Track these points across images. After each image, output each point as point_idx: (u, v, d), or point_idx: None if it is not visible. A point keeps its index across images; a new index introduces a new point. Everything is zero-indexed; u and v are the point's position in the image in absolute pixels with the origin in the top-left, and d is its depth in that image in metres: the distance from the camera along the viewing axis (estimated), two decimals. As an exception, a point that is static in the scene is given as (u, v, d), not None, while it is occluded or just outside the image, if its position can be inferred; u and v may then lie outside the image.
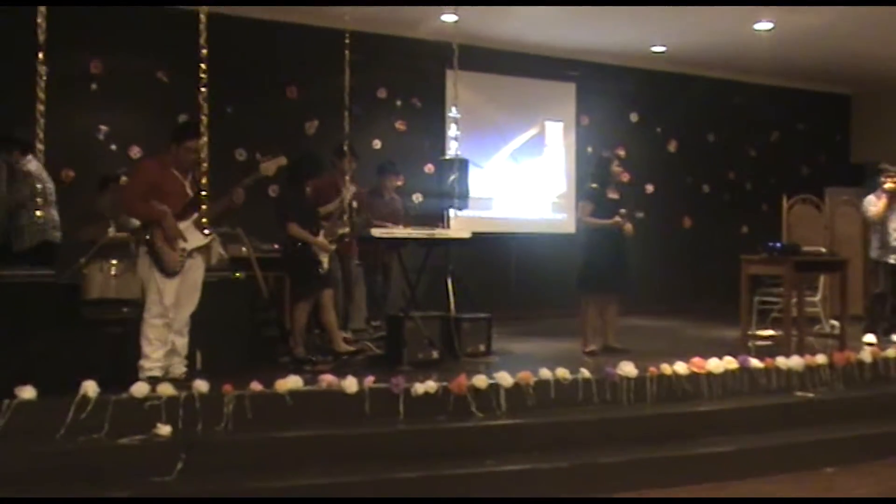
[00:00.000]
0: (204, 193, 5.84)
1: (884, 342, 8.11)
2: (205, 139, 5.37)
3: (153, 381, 5.45)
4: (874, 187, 8.89)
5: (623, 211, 7.64)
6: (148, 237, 5.83)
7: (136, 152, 9.08)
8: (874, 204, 8.70)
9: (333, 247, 7.31)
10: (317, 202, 7.53)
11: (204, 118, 5.53)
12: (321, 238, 7.15)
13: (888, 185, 8.61)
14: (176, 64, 9.07)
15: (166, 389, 5.32)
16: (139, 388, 5.29)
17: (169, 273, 5.82)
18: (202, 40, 5.59)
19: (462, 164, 8.54)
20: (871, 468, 6.10)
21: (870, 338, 8.28)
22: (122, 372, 5.57)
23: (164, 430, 5.14)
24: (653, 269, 11.08)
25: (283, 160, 6.35)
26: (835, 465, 6.10)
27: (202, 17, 5.60)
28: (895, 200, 8.62)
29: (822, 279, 9.39)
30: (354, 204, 7.94)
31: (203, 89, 5.54)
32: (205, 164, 5.82)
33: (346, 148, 7.96)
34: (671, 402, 6.38)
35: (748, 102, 13.07)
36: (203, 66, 5.55)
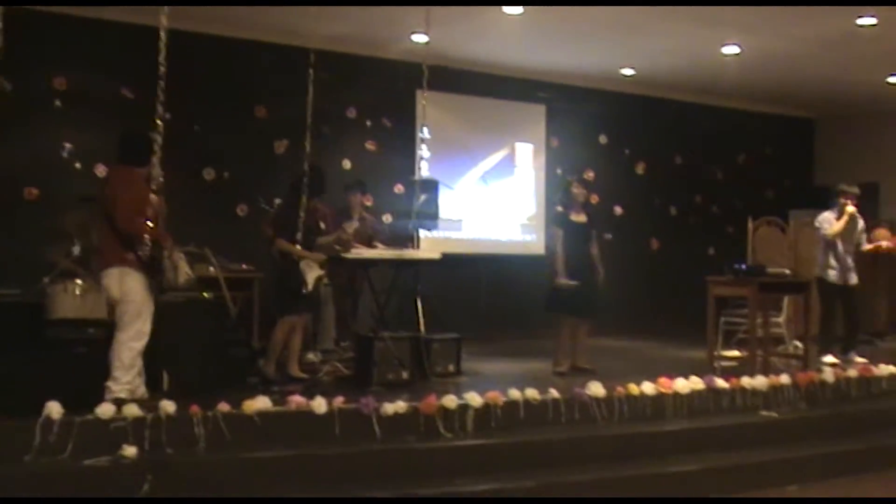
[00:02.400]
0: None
1: (843, 361, 8.18)
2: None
3: (119, 403, 5.37)
4: (833, 208, 8.73)
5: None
6: (152, 254, 5.73)
7: (101, 171, 8.90)
8: (830, 221, 8.59)
9: (322, 258, 7.26)
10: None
11: (158, 137, 5.49)
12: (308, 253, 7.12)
13: (851, 210, 8.57)
14: (141, 81, 8.94)
15: (132, 410, 5.26)
16: (105, 410, 5.22)
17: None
18: (161, 58, 5.57)
19: (432, 185, 8.57)
20: (834, 486, 6.17)
21: (829, 358, 8.26)
22: (86, 393, 5.48)
23: (130, 451, 5.08)
24: (620, 290, 11.09)
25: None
26: (798, 483, 6.19)
27: (162, 33, 5.59)
28: (852, 222, 8.67)
29: (786, 300, 9.49)
30: (323, 226, 7.90)
31: (160, 107, 5.51)
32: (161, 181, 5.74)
33: (305, 169, 7.89)
34: (639, 422, 6.42)
35: (715, 125, 13.18)
36: (161, 83, 5.53)
